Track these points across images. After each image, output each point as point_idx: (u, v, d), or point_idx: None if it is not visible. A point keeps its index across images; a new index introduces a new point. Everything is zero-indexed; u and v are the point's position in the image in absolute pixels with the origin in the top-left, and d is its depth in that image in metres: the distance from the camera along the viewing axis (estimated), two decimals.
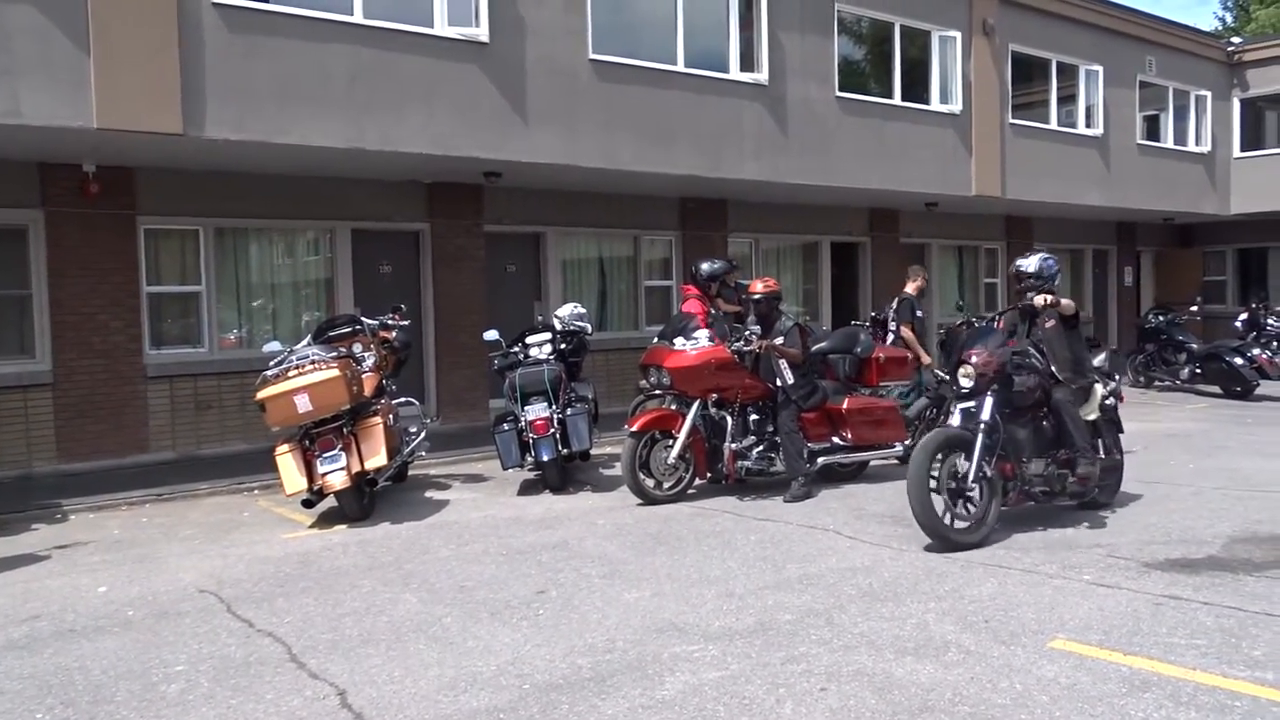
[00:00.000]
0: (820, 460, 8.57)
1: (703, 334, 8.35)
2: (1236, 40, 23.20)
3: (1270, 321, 18.45)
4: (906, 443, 9.44)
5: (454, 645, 4.94)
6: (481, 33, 10.68)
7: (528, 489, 9.02)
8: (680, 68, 12.55)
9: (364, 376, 8.22)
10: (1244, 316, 18.23)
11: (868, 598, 5.53)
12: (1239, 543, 6.56)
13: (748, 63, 13.28)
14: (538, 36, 11.17)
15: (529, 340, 9.40)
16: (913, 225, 17.99)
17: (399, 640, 5.04)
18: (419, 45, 10.35)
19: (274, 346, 8.56)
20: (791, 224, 16.43)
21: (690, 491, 8.42)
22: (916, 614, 5.22)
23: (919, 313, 11.20)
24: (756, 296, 8.85)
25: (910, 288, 11.46)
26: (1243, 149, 21.71)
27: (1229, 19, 38.96)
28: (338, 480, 7.49)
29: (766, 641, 4.86)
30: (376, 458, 7.72)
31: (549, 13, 11.25)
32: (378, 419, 7.94)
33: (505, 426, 8.74)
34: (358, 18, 9.98)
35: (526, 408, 8.68)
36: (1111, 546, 6.51)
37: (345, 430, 7.69)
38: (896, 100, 15.25)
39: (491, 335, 9.51)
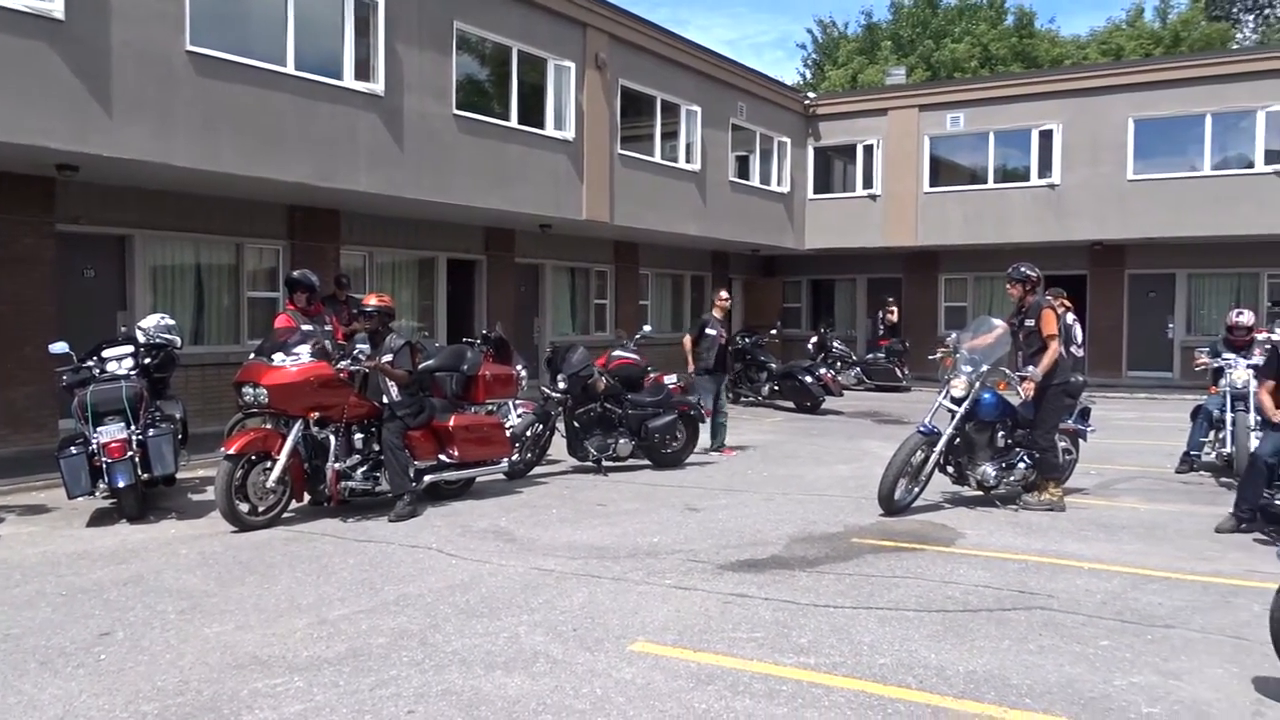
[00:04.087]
0: (427, 478, 8.50)
1: (304, 350, 7.99)
2: (812, 95, 26.22)
3: (835, 344, 21.05)
4: (513, 458, 9.66)
5: None
6: (55, 7, 9.55)
7: (100, 519, 8.13)
8: (290, 70, 11.98)
9: None
10: (814, 340, 20.60)
11: (464, 615, 5.55)
12: (798, 542, 7.36)
13: (363, 72, 12.97)
14: (125, 19, 10.18)
15: (106, 354, 8.48)
16: (528, 246, 18.47)
17: None
18: None
19: None
20: (408, 239, 16.25)
21: (288, 515, 8.02)
22: (510, 628, 5.32)
23: (709, 330, 12.16)
24: (369, 309, 8.66)
25: (716, 311, 12.54)
26: (815, 192, 24.57)
27: (808, 75, 43.97)
28: None
29: (357, 668, 4.72)
30: None
31: None
32: None
33: (73, 450, 7.80)
34: None
35: (100, 429, 7.82)
36: (692, 552, 7.04)
37: None
38: (514, 123, 15.58)
39: (60, 348, 8.45)
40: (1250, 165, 20.19)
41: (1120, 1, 61.69)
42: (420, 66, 13.69)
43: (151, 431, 8.00)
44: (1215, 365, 10.47)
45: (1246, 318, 10.76)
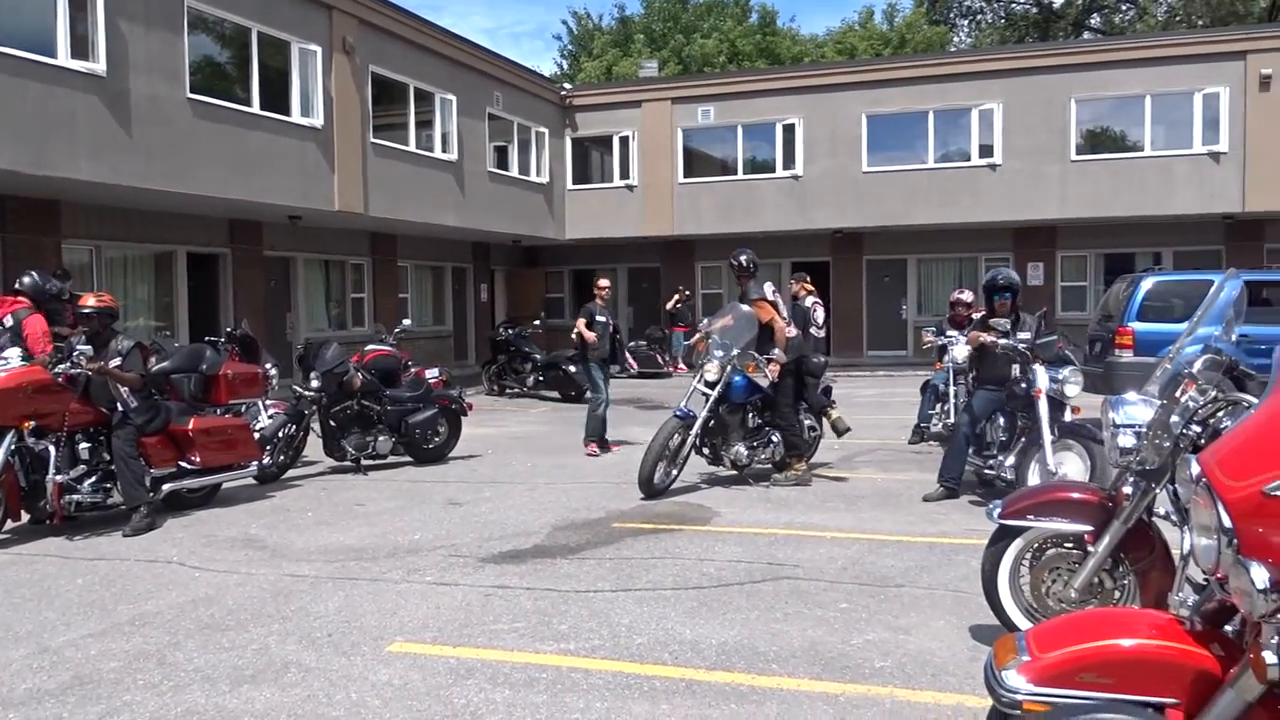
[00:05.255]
0: (165, 487, 7.93)
1: (14, 353, 7.27)
2: (568, 86, 26.44)
3: None
4: (264, 461, 9.20)
5: None
6: None
7: None
8: None
9: None
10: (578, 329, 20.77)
11: (208, 629, 5.23)
12: (560, 530, 7.41)
13: (81, 50, 11.93)
14: None
15: None
16: (277, 238, 17.62)
17: None
18: None
19: None
20: (142, 231, 15.11)
21: (4, 536, 7.27)
22: (259, 639, 5.06)
23: (599, 318, 11.63)
24: (87, 311, 7.95)
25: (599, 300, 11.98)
26: (574, 182, 24.80)
27: (565, 66, 44.29)
28: None
29: (84, 696, 4.35)
30: None
31: None
32: None
33: None
34: None
35: None
36: (454, 546, 6.95)
37: None
38: (256, 109, 14.80)
39: None
40: (968, 159, 22.09)
41: (853, 3, 65.88)
42: (148, 46, 12.74)
43: None
44: (940, 343, 11.37)
45: (967, 296, 11.77)
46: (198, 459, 8.10)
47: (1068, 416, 7.52)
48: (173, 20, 13.19)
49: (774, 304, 9.24)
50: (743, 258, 9.42)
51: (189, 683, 4.50)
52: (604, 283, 12.44)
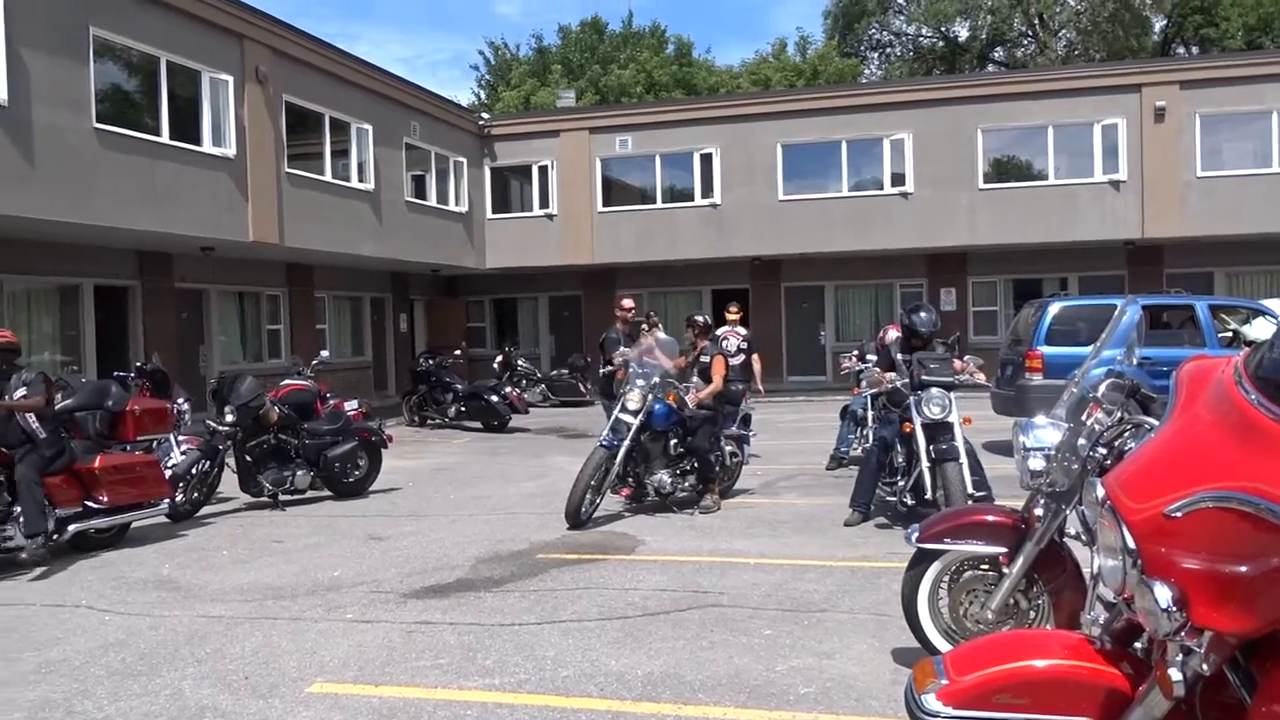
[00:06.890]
0: (72, 528, 7.64)
1: None
2: (486, 116, 26.40)
3: (520, 363, 21.28)
4: (177, 499, 8.95)
5: None
6: None
7: None
8: None
9: None
10: (499, 359, 20.71)
11: (119, 675, 5.06)
12: (484, 563, 7.34)
13: None
14: None
15: None
16: (189, 270, 17.21)
17: None
18: None
19: None
20: (45, 264, 14.62)
21: None
22: (173, 683, 4.91)
23: (623, 348, 10.96)
24: None
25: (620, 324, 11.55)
26: (494, 211, 24.72)
27: (483, 95, 44.24)
28: None
29: None
30: None
31: None
32: None
33: None
34: None
35: None
36: (375, 582, 6.83)
37: None
38: (165, 139, 14.47)
39: None
40: (881, 187, 22.61)
41: (766, 35, 67.08)
42: (52, 75, 12.39)
43: None
44: (858, 368, 11.57)
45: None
46: (105, 498, 7.83)
47: (958, 434, 7.69)
48: (77, 49, 12.86)
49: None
50: (703, 318, 10.48)
51: None
52: (628, 303, 11.65)
